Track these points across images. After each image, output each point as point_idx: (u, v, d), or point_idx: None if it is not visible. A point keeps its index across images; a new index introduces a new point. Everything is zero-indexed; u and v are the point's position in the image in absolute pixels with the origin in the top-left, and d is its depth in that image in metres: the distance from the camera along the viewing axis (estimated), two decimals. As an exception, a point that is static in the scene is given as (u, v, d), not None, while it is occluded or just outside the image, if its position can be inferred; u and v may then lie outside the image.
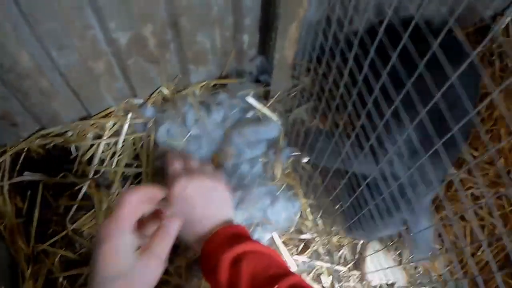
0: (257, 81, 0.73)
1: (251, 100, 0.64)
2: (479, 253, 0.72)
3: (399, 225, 0.63)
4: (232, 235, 0.47)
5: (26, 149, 0.74)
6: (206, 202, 0.50)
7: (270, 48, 0.66)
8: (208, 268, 0.47)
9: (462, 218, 0.76)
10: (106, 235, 0.40)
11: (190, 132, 0.64)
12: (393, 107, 0.47)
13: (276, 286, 0.40)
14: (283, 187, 0.64)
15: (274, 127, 0.63)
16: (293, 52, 0.68)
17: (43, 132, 0.74)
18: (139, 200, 0.44)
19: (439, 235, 0.73)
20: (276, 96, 0.69)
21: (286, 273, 0.43)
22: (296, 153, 0.66)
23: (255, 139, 0.61)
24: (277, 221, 0.63)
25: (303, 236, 0.68)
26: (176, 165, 0.54)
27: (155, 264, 0.42)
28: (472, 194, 0.75)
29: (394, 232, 0.67)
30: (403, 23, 0.45)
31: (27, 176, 0.73)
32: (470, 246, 0.73)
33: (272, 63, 0.68)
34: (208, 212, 0.50)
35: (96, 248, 0.40)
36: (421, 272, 0.72)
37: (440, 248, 0.73)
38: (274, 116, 0.64)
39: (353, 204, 0.61)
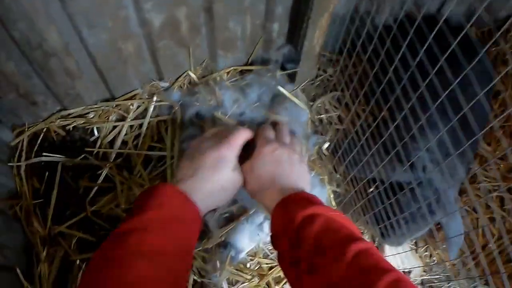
0: (282, 69, 0.74)
1: (279, 87, 0.65)
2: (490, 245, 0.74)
3: (430, 226, 0.65)
4: (305, 198, 0.48)
5: (45, 129, 0.73)
6: (289, 170, 0.54)
7: (300, 38, 0.67)
8: (277, 229, 0.48)
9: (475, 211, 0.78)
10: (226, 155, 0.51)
11: (229, 113, 0.64)
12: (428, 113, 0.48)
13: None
14: (313, 173, 0.65)
15: (303, 113, 0.64)
16: (322, 43, 0.69)
17: (64, 112, 0.73)
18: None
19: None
20: (301, 85, 0.70)
21: (356, 237, 0.42)
22: (321, 140, 0.67)
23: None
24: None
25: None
26: (269, 132, 0.59)
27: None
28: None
29: (424, 233, 0.69)
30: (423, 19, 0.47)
31: (45, 156, 0.72)
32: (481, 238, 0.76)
33: (300, 52, 0.69)
34: (287, 179, 0.53)
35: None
36: (435, 261, 0.74)
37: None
38: (302, 104, 0.65)
39: (385, 211, 0.62)
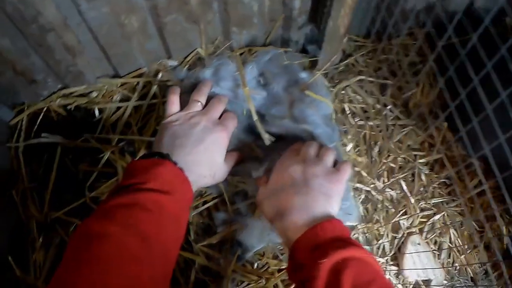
0: (302, 51, 0.67)
1: (303, 74, 0.58)
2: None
3: None
4: (332, 234, 0.40)
5: (45, 109, 0.69)
6: (316, 194, 0.45)
7: (324, 16, 0.60)
8: (297, 269, 0.41)
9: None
10: None
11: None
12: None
13: None
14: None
15: (325, 105, 0.57)
16: (348, 22, 0.62)
17: (65, 91, 0.68)
18: None
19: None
20: (323, 69, 0.63)
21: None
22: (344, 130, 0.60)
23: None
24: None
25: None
26: (296, 147, 0.53)
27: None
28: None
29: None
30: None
31: (45, 137, 0.67)
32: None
33: (323, 32, 0.62)
34: (312, 205, 0.44)
35: None
36: (458, 269, 0.67)
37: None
38: (324, 97, 0.58)
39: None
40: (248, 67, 0.57)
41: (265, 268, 0.61)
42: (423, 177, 0.67)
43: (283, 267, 0.60)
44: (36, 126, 0.68)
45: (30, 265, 0.65)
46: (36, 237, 0.66)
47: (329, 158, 0.50)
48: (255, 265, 0.61)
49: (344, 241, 0.39)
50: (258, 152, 0.57)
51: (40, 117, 0.68)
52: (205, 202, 0.62)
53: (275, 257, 0.61)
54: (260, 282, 0.60)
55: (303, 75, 0.57)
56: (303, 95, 0.56)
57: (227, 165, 0.54)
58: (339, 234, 0.41)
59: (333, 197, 0.46)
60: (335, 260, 0.37)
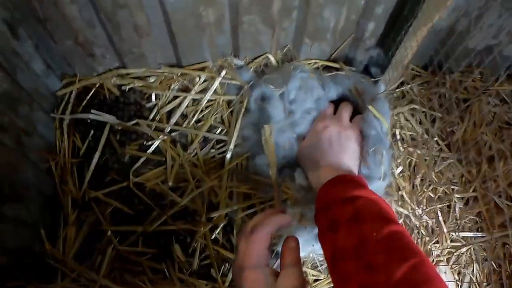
0: (363, 71, 0.68)
1: (370, 107, 0.59)
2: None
3: None
4: (351, 180, 0.50)
5: (98, 85, 0.67)
6: (338, 149, 0.55)
7: (394, 44, 0.62)
8: (321, 205, 0.50)
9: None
10: (248, 272, 0.43)
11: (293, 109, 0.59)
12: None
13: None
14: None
15: (381, 122, 0.59)
16: (413, 54, 0.63)
17: (122, 71, 0.67)
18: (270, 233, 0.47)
19: None
20: (382, 92, 0.64)
21: (392, 220, 0.44)
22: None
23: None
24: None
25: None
26: (328, 109, 0.61)
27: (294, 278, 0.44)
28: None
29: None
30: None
31: (94, 114, 0.66)
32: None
33: (389, 58, 0.63)
34: (335, 158, 0.54)
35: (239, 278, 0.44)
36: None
37: None
38: (384, 120, 0.60)
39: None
40: (331, 88, 0.59)
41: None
42: (457, 210, 0.70)
43: (321, 278, 0.61)
44: (85, 101, 0.67)
45: (60, 240, 0.64)
46: (70, 213, 0.64)
47: (345, 116, 0.60)
48: (293, 273, 0.62)
49: (360, 186, 0.49)
50: None
51: (91, 92, 0.67)
52: (251, 206, 0.63)
53: (315, 267, 0.62)
54: (295, 291, 0.61)
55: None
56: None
57: None
58: (356, 181, 0.50)
59: (353, 153, 0.56)
60: (348, 196, 0.46)
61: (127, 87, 0.66)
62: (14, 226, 0.57)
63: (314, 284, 0.61)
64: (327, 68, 0.68)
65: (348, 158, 0.55)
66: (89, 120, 0.67)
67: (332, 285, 0.62)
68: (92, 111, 0.66)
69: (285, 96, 0.59)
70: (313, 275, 0.61)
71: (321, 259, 0.62)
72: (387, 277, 0.38)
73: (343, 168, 0.53)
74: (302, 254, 0.61)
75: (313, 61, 0.66)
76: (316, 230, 0.60)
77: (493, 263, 0.73)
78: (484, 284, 0.72)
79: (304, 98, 0.59)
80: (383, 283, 0.38)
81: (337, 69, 0.68)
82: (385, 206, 0.47)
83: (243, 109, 0.63)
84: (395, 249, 0.41)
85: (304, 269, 0.61)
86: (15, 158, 0.58)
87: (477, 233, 0.71)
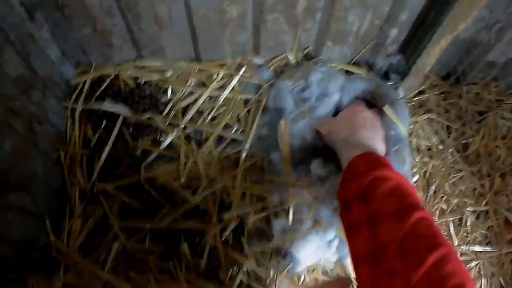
0: (382, 77, 0.68)
1: (385, 107, 0.58)
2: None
3: None
4: (383, 160, 0.51)
5: (113, 76, 0.66)
6: (372, 133, 0.56)
7: (417, 51, 0.61)
8: (353, 179, 0.49)
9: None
10: None
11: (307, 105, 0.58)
12: None
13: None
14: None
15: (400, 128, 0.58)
16: (434, 62, 0.63)
17: (139, 62, 0.66)
18: None
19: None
20: (400, 98, 0.64)
21: (419, 207, 0.44)
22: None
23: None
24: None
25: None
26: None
27: None
28: None
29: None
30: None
31: (107, 105, 0.64)
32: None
33: (409, 66, 0.63)
34: (369, 139, 0.55)
35: None
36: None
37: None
38: (401, 125, 0.59)
39: None
40: (350, 89, 0.59)
41: (312, 283, 0.61)
42: (468, 224, 0.69)
43: (331, 286, 0.60)
44: (99, 91, 0.66)
45: (65, 232, 0.62)
46: (77, 205, 0.63)
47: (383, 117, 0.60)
48: (303, 278, 0.61)
49: (390, 167, 0.50)
50: None
51: (106, 83, 0.66)
52: (264, 209, 0.61)
53: (325, 273, 0.61)
54: (304, 297, 0.60)
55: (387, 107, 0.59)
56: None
57: None
58: (388, 163, 0.51)
59: (382, 141, 0.57)
60: (381, 174, 0.47)
61: (143, 80, 0.65)
62: (19, 216, 0.55)
63: (324, 291, 0.60)
64: (346, 73, 0.67)
65: (380, 142, 0.56)
66: (102, 111, 0.65)
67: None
68: (106, 101, 0.65)
69: (299, 88, 0.58)
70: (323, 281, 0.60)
71: (330, 267, 0.61)
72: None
73: (375, 148, 0.54)
74: (313, 260, 0.60)
75: (333, 64, 0.65)
76: (329, 237, 0.59)
77: (501, 279, 0.72)
78: (491, 299, 0.71)
79: (326, 85, 0.59)
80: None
81: (356, 74, 0.67)
82: (412, 190, 0.48)
83: (261, 108, 0.62)
84: (421, 240, 0.41)
85: (315, 275, 0.60)
86: (24, 146, 0.56)
87: (487, 248, 0.71)
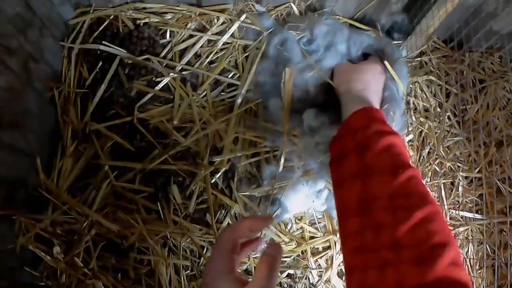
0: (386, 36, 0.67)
1: (386, 62, 0.58)
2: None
3: None
4: (382, 117, 0.51)
5: (112, 17, 0.65)
6: (379, 89, 0.57)
7: (421, 11, 0.60)
8: (352, 132, 0.50)
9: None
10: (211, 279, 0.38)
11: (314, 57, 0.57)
12: None
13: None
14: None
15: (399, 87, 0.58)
16: (438, 25, 0.62)
17: (138, 4, 0.65)
18: (239, 237, 0.41)
19: None
20: (402, 57, 0.63)
21: (411, 165, 0.45)
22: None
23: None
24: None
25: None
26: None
27: None
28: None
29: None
30: None
31: (105, 46, 0.64)
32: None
33: (413, 26, 0.62)
34: (373, 95, 0.56)
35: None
36: None
37: None
38: (400, 82, 0.59)
39: None
40: (356, 42, 0.59)
41: (299, 232, 0.60)
42: (460, 189, 0.69)
43: (318, 236, 0.60)
44: (97, 32, 0.65)
45: (55, 171, 0.62)
46: (69, 144, 0.63)
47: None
48: (289, 226, 0.61)
49: (387, 125, 0.51)
50: None
51: (105, 24, 0.65)
52: (255, 154, 0.61)
53: (312, 223, 0.61)
54: (290, 245, 0.60)
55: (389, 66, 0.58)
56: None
57: None
58: (385, 120, 0.52)
59: (378, 96, 0.58)
60: (380, 129, 0.48)
61: (142, 21, 0.65)
62: (10, 155, 0.55)
63: (310, 241, 0.60)
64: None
65: (377, 100, 0.57)
66: (98, 52, 0.64)
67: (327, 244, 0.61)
68: (103, 42, 0.64)
69: (305, 39, 0.57)
70: (310, 232, 0.60)
71: (319, 216, 0.61)
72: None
73: (375, 105, 0.55)
74: (301, 209, 0.60)
75: (337, 17, 0.64)
76: (318, 187, 0.59)
77: (488, 247, 0.72)
78: (477, 267, 0.71)
79: (332, 38, 0.58)
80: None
81: (359, 29, 0.66)
82: (404, 150, 0.48)
83: (259, 55, 0.61)
84: (411, 197, 0.42)
85: (302, 225, 0.60)
86: (19, 84, 0.56)
87: (476, 215, 0.70)
